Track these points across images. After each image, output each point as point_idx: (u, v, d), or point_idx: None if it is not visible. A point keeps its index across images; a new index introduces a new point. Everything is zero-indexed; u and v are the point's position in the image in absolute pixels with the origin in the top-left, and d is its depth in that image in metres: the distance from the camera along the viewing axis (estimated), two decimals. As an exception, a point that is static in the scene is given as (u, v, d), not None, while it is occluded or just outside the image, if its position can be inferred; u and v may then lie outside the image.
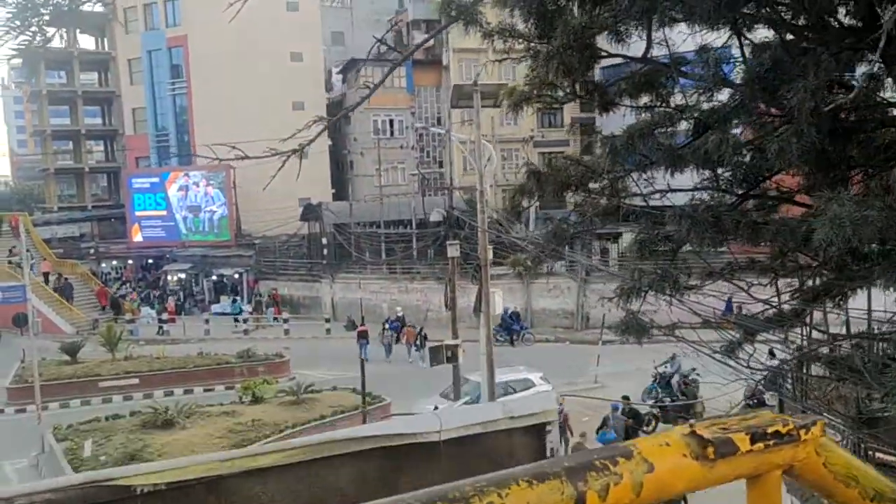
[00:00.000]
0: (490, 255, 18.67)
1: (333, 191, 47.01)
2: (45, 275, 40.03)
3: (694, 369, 18.79)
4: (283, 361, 28.22)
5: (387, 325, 32.50)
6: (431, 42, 41.72)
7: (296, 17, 46.64)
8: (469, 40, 11.15)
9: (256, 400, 21.34)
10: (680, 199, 6.95)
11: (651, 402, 20.29)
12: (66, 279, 41.40)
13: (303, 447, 2.88)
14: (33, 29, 4.53)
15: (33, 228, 45.76)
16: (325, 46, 51.19)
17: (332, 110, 49.09)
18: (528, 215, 30.98)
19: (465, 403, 18.22)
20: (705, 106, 6.70)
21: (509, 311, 31.47)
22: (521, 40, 6.90)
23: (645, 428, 18.00)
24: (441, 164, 49.56)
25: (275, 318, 38.28)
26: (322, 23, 49.64)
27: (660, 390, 20.76)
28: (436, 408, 14.02)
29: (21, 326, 25.59)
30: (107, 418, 20.11)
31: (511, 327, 32.04)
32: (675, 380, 20.48)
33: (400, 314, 33.27)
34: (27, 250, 26.97)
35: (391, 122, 48.32)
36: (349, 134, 48.26)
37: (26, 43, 4.56)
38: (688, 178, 6.94)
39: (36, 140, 70.54)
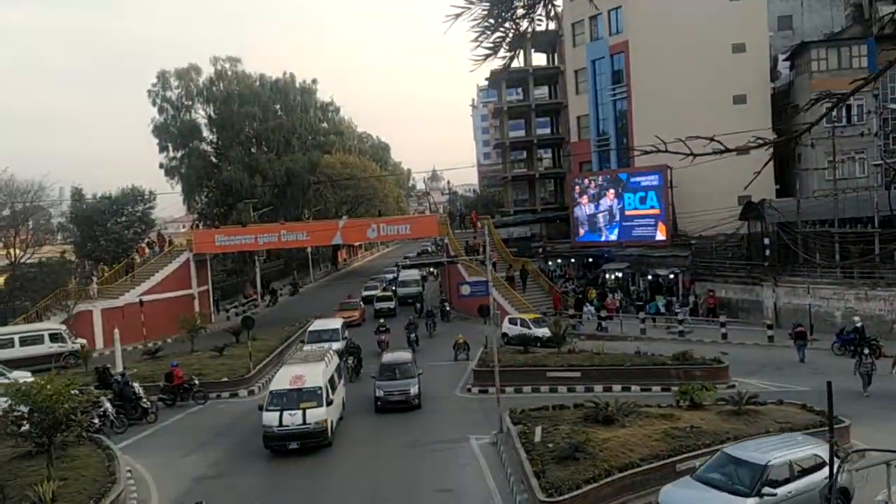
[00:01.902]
0: None
1: (777, 187, 43.60)
2: (510, 279, 45.14)
3: None
4: (722, 367, 27.21)
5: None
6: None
7: (739, 7, 44.45)
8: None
9: (695, 405, 20.98)
10: None
11: None
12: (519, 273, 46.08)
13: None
14: (507, 24, 4.64)
15: (494, 230, 51.98)
16: (771, 33, 47.77)
17: (777, 100, 45.70)
18: None
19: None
20: None
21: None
22: None
23: None
24: (915, 153, 42.26)
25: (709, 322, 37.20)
26: (767, 8, 46.42)
27: None
28: None
29: (484, 317, 29.08)
30: (553, 407, 21.77)
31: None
32: None
33: (858, 324, 29.44)
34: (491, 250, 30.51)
35: (848, 107, 42.83)
36: (796, 124, 44.19)
37: (500, 39, 4.64)
38: None
39: (497, 151, 79.98)
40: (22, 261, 57.31)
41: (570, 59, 53.46)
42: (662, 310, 40.57)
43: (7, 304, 47.54)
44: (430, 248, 77.60)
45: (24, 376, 25.79)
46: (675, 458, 17.03)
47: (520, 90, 68.39)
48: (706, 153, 5.36)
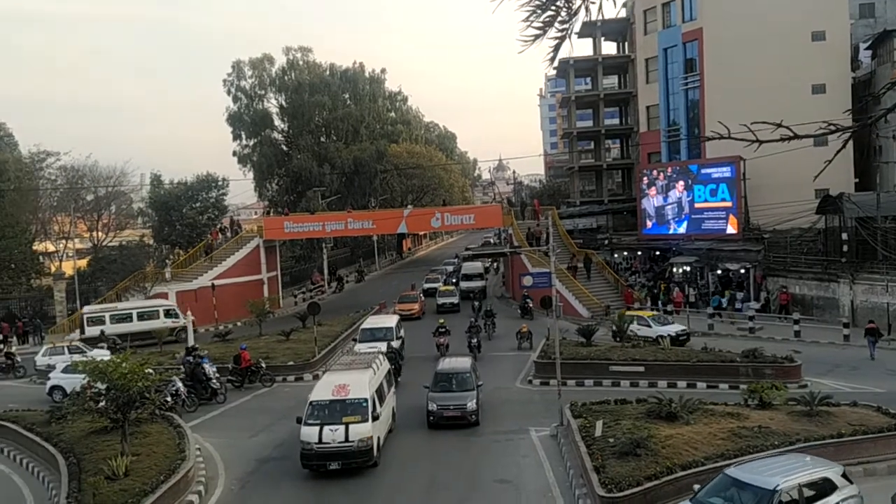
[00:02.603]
0: None
1: (857, 180, 41.81)
2: (573, 269, 44.58)
3: None
4: (794, 366, 26.28)
5: None
6: None
7: (819, -6, 42.72)
8: None
9: (763, 405, 20.39)
10: None
11: None
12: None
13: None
14: (558, 3, 4.52)
15: (559, 221, 51.52)
16: (852, 21, 45.71)
17: (857, 90, 43.74)
18: None
19: None
20: None
21: None
22: None
23: None
24: None
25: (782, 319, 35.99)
26: (849, -5, 44.46)
27: None
28: None
29: (547, 308, 28.93)
30: (615, 402, 21.49)
31: None
32: None
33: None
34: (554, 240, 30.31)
35: (936, 97, 40.67)
36: (878, 114, 42.23)
37: (550, 18, 4.51)
38: None
39: (564, 141, 79.14)
40: (104, 244, 59.90)
41: (641, 48, 52.36)
42: (724, 304, 39.48)
43: (89, 286, 49.68)
44: (492, 240, 77.38)
45: (102, 354, 26.92)
46: (741, 459, 16.56)
47: (588, 80, 67.42)
48: (774, 140, 5.17)
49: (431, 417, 22.22)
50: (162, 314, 40.33)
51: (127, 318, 39.58)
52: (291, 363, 31.26)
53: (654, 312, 35.85)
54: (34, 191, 56.94)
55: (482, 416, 22.70)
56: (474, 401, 22.33)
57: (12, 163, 56.05)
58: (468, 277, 53.57)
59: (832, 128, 5.10)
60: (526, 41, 4.52)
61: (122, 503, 15.35)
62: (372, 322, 34.24)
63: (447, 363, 24.75)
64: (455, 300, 46.93)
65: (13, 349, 36.95)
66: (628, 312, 34.81)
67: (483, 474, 18.50)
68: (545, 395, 25.58)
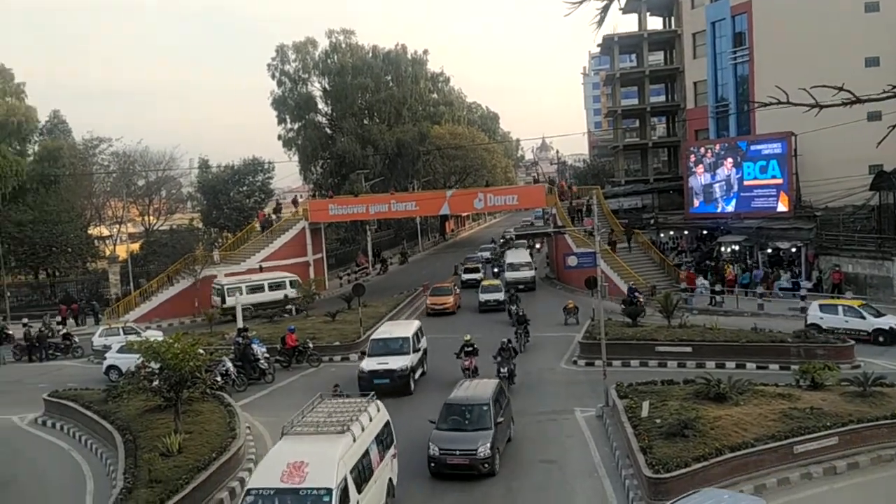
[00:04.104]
0: None
1: (916, 155, 40.41)
2: (613, 244, 44.01)
3: None
4: (846, 347, 25.68)
5: None
6: None
7: (875, -39, 41.08)
8: None
9: (815, 385, 20.00)
10: None
11: None
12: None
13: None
14: None
15: (604, 201, 50.92)
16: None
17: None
18: None
19: None
20: None
21: None
22: None
23: None
24: None
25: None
26: (909, -38, 42.59)
27: None
28: None
29: (592, 289, 28.68)
30: (662, 382, 21.28)
31: None
32: None
33: None
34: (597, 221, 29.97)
35: None
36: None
37: None
38: None
39: (608, 120, 78.05)
40: (155, 228, 61.33)
41: (688, 22, 51.11)
42: (787, 285, 38.48)
43: (142, 268, 50.97)
44: (532, 221, 76.61)
45: (155, 335, 27.66)
46: (792, 440, 16.33)
47: (633, 56, 66.18)
48: (834, 104, 5.01)
49: (432, 464, 17.24)
50: (287, 284, 43.22)
51: (259, 288, 42.50)
52: (338, 343, 31.71)
53: (862, 301, 30.50)
54: (88, 176, 58.49)
55: (527, 386, 21.93)
56: (488, 444, 17.06)
57: (67, 149, 57.66)
58: (514, 267, 47.31)
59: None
60: (573, 3, 4.45)
61: (176, 479, 15.80)
62: (385, 330, 28.09)
63: (463, 390, 19.66)
64: (501, 297, 39.53)
65: (71, 330, 38.23)
66: (830, 302, 30.50)
67: (527, 454, 18.55)
68: (590, 375, 25.46)
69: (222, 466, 17.12)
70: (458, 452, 17.11)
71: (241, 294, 40.29)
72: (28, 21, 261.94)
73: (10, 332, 37.54)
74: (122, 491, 15.47)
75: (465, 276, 49.81)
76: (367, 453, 14.57)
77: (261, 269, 45.54)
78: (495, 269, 52.03)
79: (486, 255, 61.29)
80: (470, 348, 25.42)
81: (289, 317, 38.26)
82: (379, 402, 16.63)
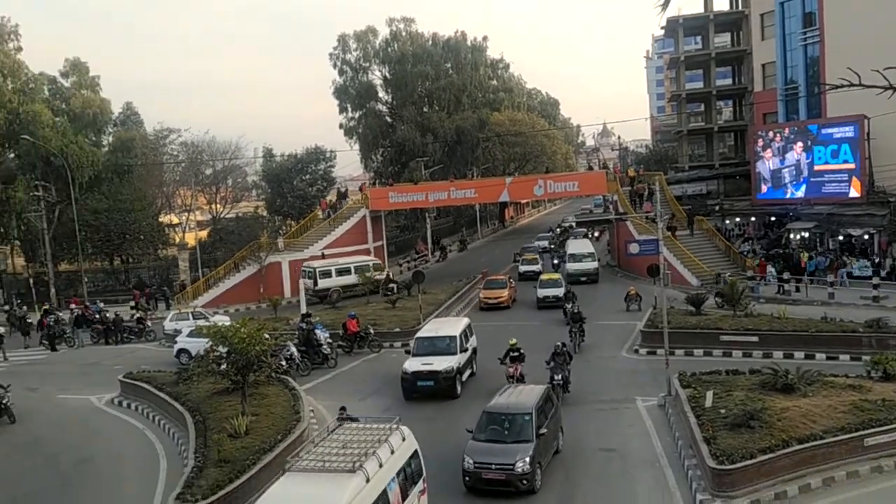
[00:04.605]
0: None
1: None
2: (672, 229, 43.17)
3: None
4: (922, 338, 24.67)
5: None
6: None
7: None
8: None
9: (888, 377, 19.36)
10: None
11: None
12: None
13: None
14: None
15: (667, 187, 49.95)
16: None
17: None
18: None
19: None
20: None
21: None
22: None
23: None
24: None
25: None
26: None
27: None
28: None
29: (653, 276, 28.25)
30: (727, 372, 20.88)
31: None
32: None
33: None
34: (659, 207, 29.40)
35: None
36: None
37: None
38: None
39: (672, 104, 76.43)
40: (222, 216, 63.04)
41: (756, 2, 49.56)
42: (859, 273, 37.07)
43: (210, 255, 52.51)
44: (591, 209, 75.48)
45: (222, 320, 28.48)
46: (863, 433, 15.85)
47: (699, 38, 64.57)
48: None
49: (467, 478, 15.93)
50: (371, 268, 45.34)
51: (347, 271, 44.43)
52: (398, 330, 32.08)
53: None
54: (159, 166, 60.42)
55: (588, 373, 21.25)
56: (528, 458, 15.57)
57: (139, 140, 59.63)
58: (576, 258, 44.90)
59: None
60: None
61: (244, 459, 16.33)
62: (431, 329, 26.34)
63: (505, 396, 18.04)
64: (560, 292, 36.04)
65: (145, 314, 39.72)
66: None
67: (587, 442, 18.48)
68: (652, 364, 25.14)
69: (287, 448, 17.56)
70: (493, 466, 15.64)
71: (331, 277, 43.24)
72: (103, 17, 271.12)
73: (31, 322, 38.89)
74: (194, 469, 16.07)
75: (523, 268, 48.00)
76: (384, 494, 12.34)
77: (323, 257, 46.37)
78: (555, 261, 49.89)
79: (544, 244, 60.12)
80: (516, 353, 22.91)
81: (391, 294, 40.06)
82: (405, 428, 14.33)
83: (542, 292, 37.49)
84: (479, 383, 24.13)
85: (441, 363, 23.10)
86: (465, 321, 26.85)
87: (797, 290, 36.21)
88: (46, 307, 41.87)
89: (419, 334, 25.71)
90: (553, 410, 17.86)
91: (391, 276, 46.14)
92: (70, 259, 53.42)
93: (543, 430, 16.46)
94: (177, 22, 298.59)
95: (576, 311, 29.12)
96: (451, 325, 26.18)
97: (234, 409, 19.50)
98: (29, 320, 38.71)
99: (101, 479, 18.43)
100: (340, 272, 44.17)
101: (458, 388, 23.31)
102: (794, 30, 44.89)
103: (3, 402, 23.35)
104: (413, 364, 23.43)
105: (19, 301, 46.88)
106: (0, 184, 52.11)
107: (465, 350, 24.65)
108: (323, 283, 42.61)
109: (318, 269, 43.67)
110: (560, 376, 21.70)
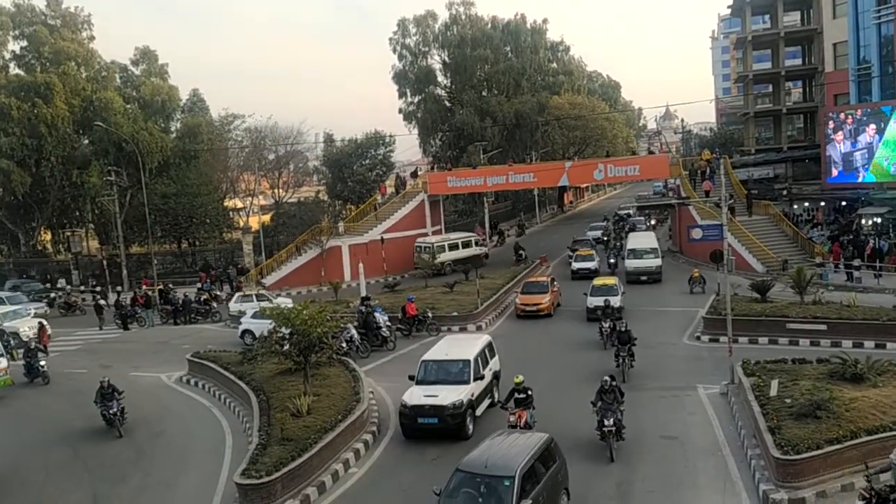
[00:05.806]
0: None
1: None
2: (731, 209, 41.85)
3: None
4: None
5: None
6: None
7: None
8: None
9: (964, 369, 18.55)
10: None
11: None
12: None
13: None
14: None
15: (732, 170, 48.69)
16: None
17: None
18: None
19: None
20: None
21: None
22: None
23: None
24: None
25: None
26: None
27: None
28: None
29: (717, 262, 27.67)
30: (793, 361, 20.36)
31: None
32: None
33: None
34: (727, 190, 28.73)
35: None
36: None
37: None
38: None
39: (738, 86, 74.20)
40: (284, 200, 64.24)
41: (829, -21, 47.49)
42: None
43: (273, 239, 53.64)
44: (649, 194, 73.43)
45: (285, 302, 29.17)
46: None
47: (767, 17, 62.40)
48: None
49: None
50: (473, 243, 49.91)
51: (456, 246, 48.50)
52: (455, 314, 32.26)
53: None
54: (224, 151, 61.84)
55: (649, 359, 21.07)
56: None
57: (205, 126, 61.10)
58: (636, 254, 39.75)
59: None
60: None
61: (306, 438, 16.75)
62: (441, 349, 21.36)
63: (485, 449, 13.53)
64: (617, 301, 30.11)
65: (213, 295, 40.89)
66: None
67: (647, 429, 18.31)
68: (714, 352, 24.74)
69: (348, 428, 17.98)
70: None
71: (445, 252, 47.11)
72: (170, 5, 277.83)
73: (103, 303, 40.19)
74: (258, 447, 16.57)
75: (577, 265, 41.59)
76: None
77: (382, 242, 46.85)
78: (611, 260, 42.58)
79: (597, 234, 55.24)
80: (522, 395, 17.70)
81: (521, 259, 46.04)
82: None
83: (592, 301, 30.61)
84: (501, 415, 18.58)
85: (448, 395, 18.50)
86: (484, 339, 21.93)
87: (875, 276, 34.95)
88: (138, 288, 43.86)
89: (425, 357, 20.71)
90: (554, 468, 13.64)
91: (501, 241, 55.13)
92: (140, 242, 55.35)
93: (529, 501, 12.06)
94: (242, 9, 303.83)
95: (623, 329, 23.37)
96: (465, 345, 21.24)
97: (296, 389, 19.98)
98: (102, 302, 40.31)
99: (173, 452, 19.17)
100: (452, 247, 48.03)
101: (470, 427, 18.50)
102: (867, 7, 43.01)
103: (112, 412, 20.86)
104: (414, 395, 18.87)
105: (94, 283, 48.77)
106: (75, 169, 54.28)
107: (482, 377, 19.82)
108: (442, 257, 46.26)
109: (434, 244, 47.04)
110: (612, 420, 16.62)
